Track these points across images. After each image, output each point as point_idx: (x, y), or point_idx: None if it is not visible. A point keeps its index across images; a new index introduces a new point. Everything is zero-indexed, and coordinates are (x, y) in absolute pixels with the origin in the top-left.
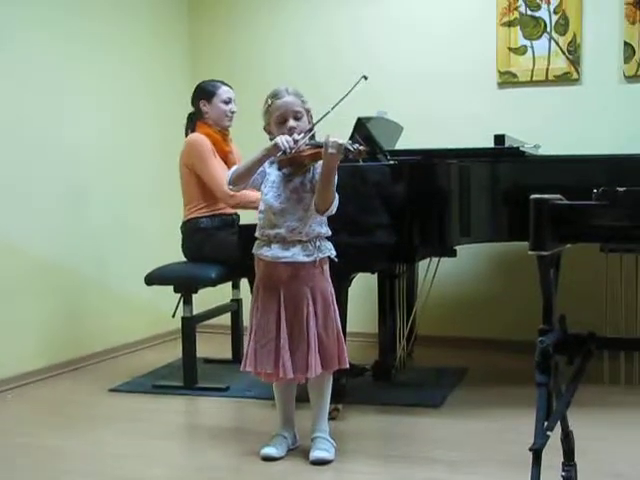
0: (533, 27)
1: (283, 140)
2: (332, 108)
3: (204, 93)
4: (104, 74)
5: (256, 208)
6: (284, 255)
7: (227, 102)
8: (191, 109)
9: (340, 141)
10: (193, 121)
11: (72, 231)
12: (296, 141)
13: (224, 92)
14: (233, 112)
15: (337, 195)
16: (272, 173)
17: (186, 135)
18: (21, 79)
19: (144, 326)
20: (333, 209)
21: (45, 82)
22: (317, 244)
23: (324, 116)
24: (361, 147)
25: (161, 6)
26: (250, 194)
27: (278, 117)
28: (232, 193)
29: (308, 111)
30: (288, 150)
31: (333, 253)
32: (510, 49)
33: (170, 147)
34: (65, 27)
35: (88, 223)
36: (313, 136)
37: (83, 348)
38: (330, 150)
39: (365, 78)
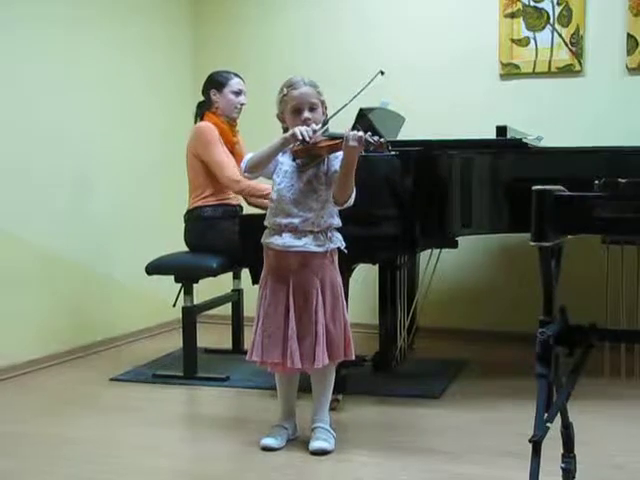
0: (536, 18)
1: (302, 130)
2: (350, 101)
3: (215, 83)
4: (107, 64)
5: (261, 197)
6: (295, 244)
7: (237, 93)
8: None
9: (360, 133)
10: (202, 110)
11: (74, 221)
12: (314, 131)
13: (235, 83)
14: (242, 104)
15: (354, 187)
16: (285, 163)
17: (195, 123)
18: (24, 70)
19: (145, 316)
20: (351, 201)
21: (48, 72)
22: (328, 235)
23: (341, 109)
24: (382, 139)
25: None
26: (257, 183)
27: (293, 107)
28: (238, 178)
29: (323, 103)
30: (307, 139)
31: (343, 244)
32: (513, 40)
33: (172, 137)
34: (67, 19)
35: (89, 213)
36: (327, 129)
37: (84, 337)
38: (351, 143)
39: (382, 73)
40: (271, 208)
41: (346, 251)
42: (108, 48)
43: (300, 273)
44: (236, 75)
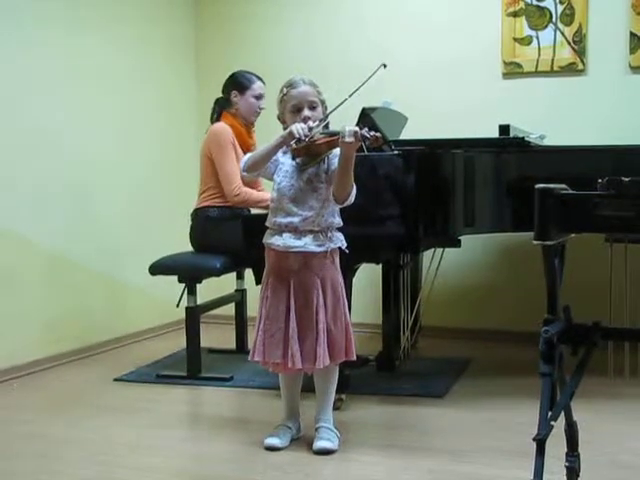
0: (539, 17)
1: (298, 127)
2: (349, 96)
3: (238, 85)
4: (108, 66)
5: (261, 208)
6: (295, 244)
7: (258, 98)
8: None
9: (356, 128)
10: (220, 108)
11: (77, 221)
12: (311, 129)
13: (258, 87)
14: (262, 108)
15: (354, 184)
16: (285, 162)
17: (211, 120)
18: (25, 72)
19: (148, 316)
20: (351, 199)
21: (49, 74)
22: (329, 234)
23: (340, 104)
24: (377, 134)
25: None
26: (255, 194)
27: (293, 107)
28: (237, 192)
29: (323, 102)
30: (303, 137)
31: (344, 244)
32: (515, 39)
33: (175, 137)
34: (66, 20)
35: (94, 213)
36: (327, 126)
37: (88, 338)
38: (347, 139)
39: (384, 66)
40: (272, 208)
41: (347, 251)
42: (108, 49)
43: (301, 273)
44: (258, 78)
